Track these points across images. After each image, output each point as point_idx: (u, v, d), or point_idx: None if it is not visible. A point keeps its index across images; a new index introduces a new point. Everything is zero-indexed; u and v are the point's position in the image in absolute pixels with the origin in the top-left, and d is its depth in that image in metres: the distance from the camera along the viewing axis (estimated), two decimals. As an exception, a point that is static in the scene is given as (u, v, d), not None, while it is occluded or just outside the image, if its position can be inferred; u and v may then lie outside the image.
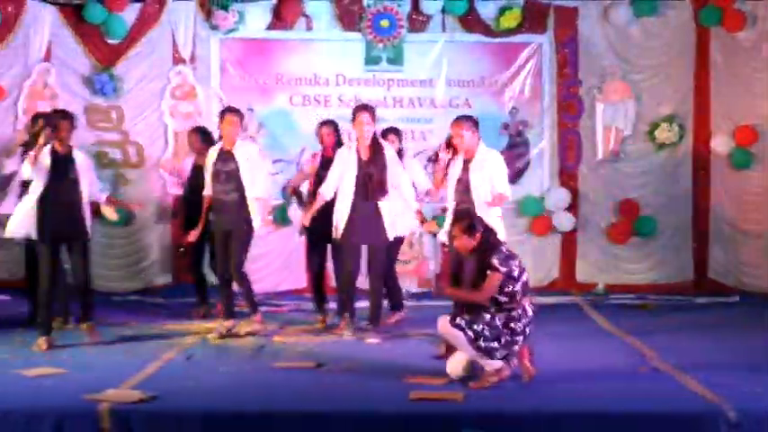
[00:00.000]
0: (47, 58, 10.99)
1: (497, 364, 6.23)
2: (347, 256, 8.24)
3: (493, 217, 7.35)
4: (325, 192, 8.23)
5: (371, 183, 8.12)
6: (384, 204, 8.19)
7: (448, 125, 10.84)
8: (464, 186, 7.63)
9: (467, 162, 7.70)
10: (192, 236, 8.60)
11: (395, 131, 9.17)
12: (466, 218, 6.64)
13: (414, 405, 5.77)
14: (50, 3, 11.01)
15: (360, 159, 8.18)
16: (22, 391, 6.09)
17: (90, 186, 7.93)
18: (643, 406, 5.74)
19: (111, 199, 8.50)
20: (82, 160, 7.94)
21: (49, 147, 7.70)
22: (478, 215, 6.96)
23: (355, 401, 5.89)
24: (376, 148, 8.22)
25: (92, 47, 11.01)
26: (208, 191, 8.38)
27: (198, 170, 9.00)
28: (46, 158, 7.69)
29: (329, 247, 8.70)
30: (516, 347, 6.28)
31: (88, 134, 10.96)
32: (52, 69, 10.98)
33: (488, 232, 6.51)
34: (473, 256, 6.42)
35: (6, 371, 6.66)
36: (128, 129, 11.01)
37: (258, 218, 8.20)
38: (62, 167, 7.76)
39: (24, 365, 6.77)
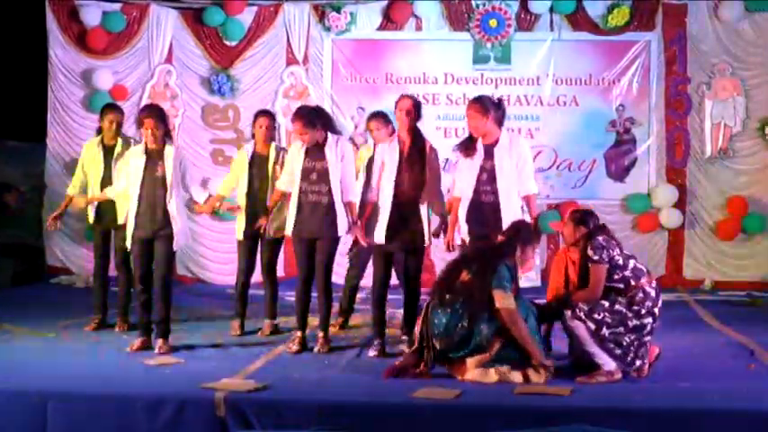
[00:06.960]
0: (168, 59, 11.33)
1: (612, 366, 6.05)
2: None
3: (516, 208, 6.80)
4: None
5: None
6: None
7: (555, 122, 11.07)
8: (489, 175, 6.83)
9: (489, 147, 6.87)
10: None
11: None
12: (581, 210, 6.57)
13: (519, 398, 5.67)
14: (172, 7, 11.30)
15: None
16: (145, 378, 6.26)
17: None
18: (751, 404, 5.54)
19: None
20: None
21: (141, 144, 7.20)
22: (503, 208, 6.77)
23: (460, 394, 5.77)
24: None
25: (210, 49, 11.30)
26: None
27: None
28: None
29: None
30: (647, 329, 6.13)
31: (205, 132, 11.38)
32: (173, 71, 11.32)
33: (596, 229, 6.32)
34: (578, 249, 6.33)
35: (131, 359, 6.87)
36: (243, 128, 11.11)
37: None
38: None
39: (147, 354, 6.97)
